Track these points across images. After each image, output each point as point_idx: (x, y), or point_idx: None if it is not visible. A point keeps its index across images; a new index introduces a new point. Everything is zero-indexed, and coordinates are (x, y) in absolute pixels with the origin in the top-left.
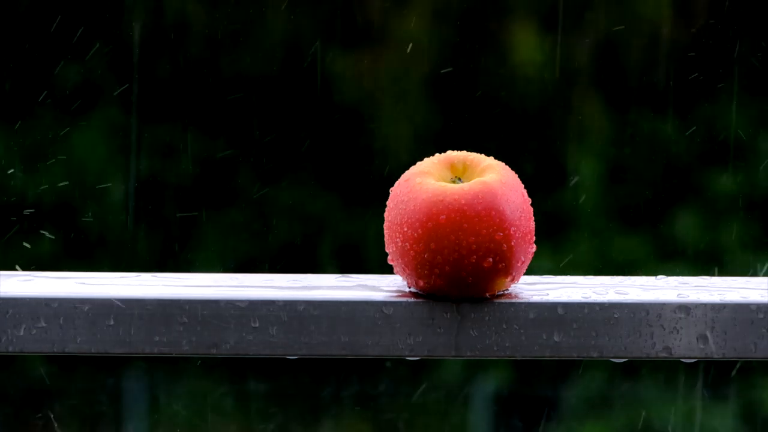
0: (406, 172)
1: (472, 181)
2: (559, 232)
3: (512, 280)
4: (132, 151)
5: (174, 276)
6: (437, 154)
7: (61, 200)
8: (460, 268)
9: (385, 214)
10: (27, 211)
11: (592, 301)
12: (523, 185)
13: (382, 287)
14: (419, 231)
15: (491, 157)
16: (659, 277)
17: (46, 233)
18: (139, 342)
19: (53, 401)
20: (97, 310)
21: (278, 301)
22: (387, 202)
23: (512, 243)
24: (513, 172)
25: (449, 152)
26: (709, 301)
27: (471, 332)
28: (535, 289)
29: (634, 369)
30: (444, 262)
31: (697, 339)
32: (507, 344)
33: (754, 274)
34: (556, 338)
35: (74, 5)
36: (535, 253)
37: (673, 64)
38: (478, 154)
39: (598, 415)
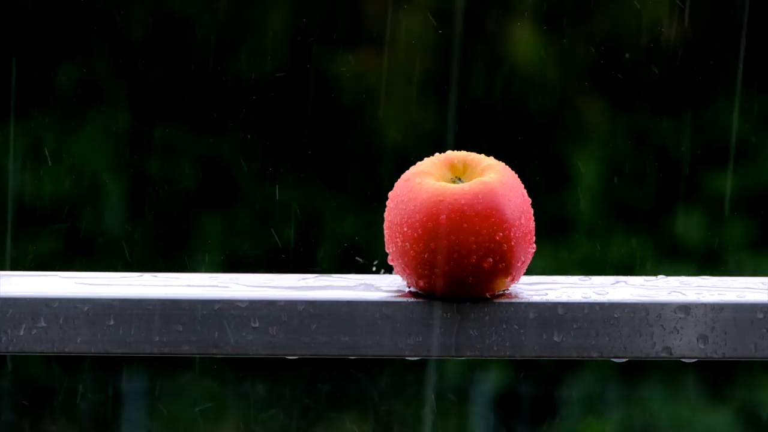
0: (406, 172)
1: (472, 181)
2: (560, 232)
3: (512, 280)
4: (132, 151)
5: (174, 276)
6: (437, 154)
7: (61, 200)
8: (460, 268)
9: (385, 214)
10: (27, 211)
11: (592, 301)
12: (523, 185)
13: (382, 287)
14: (419, 231)
15: (491, 157)
16: (659, 277)
17: (47, 233)
18: (139, 342)
19: (53, 401)
20: (97, 310)
21: (278, 301)
22: (387, 202)
23: (512, 243)
24: (513, 172)
25: (449, 152)
26: (709, 301)
27: (471, 332)
28: (535, 289)
29: (634, 369)
30: (444, 262)
31: (697, 339)
32: (507, 344)
33: (754, 274)
34: (556, 338)
35: (75, 5)
36: (535, 253)
37: (673, 63)
38: (478, 154)
39: (598, 415)
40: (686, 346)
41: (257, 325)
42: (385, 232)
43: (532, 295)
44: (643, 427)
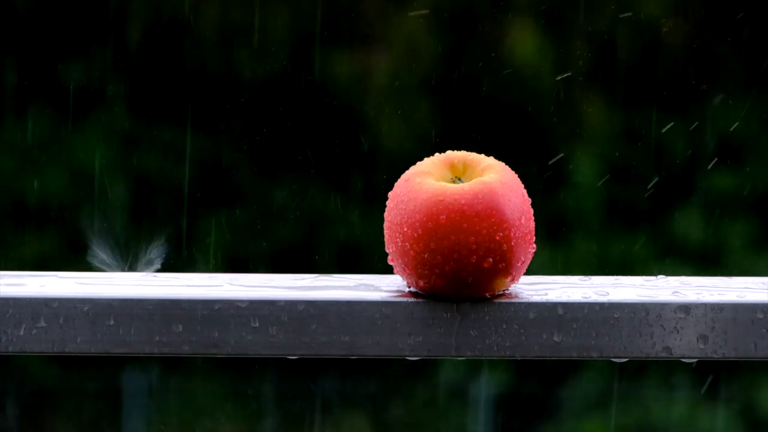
0: (406, 172)
1: (472, 181)
2: (559, 232)
3: (512, 280)
4: (132, 151)
5: (174, 276)
6: (437, 154)
7: (61, 200)
8: (460, 268)
9: (385, 214)
10: (27, 211)
11: (592, 301)
12: (523, 185)
13: (382, 287)
14: (419, 231)
15: (491, 157)
16: (659, 277)
17: (46, 233)
18: (139, 342)
19: (53, 401)
20: (97, 310)
21: (278, 301)
22: (387, 202)
23: (512, 243)
24: (513, 172)
25: (449, 152)
26: (709, 301)
27: (471, 332)
28: (535, 289)
29: (634, 369)
30: (444, 262)
31: (697, 339)
32: (507, 344)
33: (754, 274)
34: (556, 338)
35: (75, 5)
36: (535, 253)
37: (673, 63)
38: (478, 154)
39: (598, 415)
40: (686, 346)
41: (257, 325)
42: (385, 232)
43: (532, 295)
44: (643, 427)
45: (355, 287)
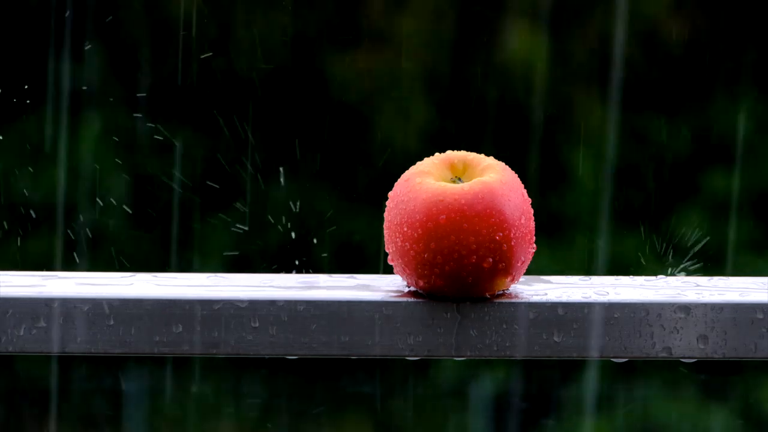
0: (406, 172)
1: (472, 181)
2: (559, 232)
3: (512, 280)
4: (132, 150)
5: (174, 276)
6: (437, 154)
7: (61, 200)
8: (460, 268)
9: (385, 214)
10: (27, 211)
11: (592, 301)
12: (523, 185)
13: (382, 287)
14: (419, 231)
15: (491, 157)
16: (659, 277)
17: (47, 233)
18: (139, 342)
19: (53, 401)
20: (97, 310)
21: (278, 301)
22: (387, 202)
23: (512, 243)
24: (513, 172)
25: (449, 152)
26: (709, 301)
27: (471, 332)
28: (535, 289)
29: (634, 369)
30: (444, 262)
31: (697, 339)
32: (507, 344)
33: (754, 274)
34: (556, 338)
35: (74, 4)
36: (535, 253)
37: (673, 62)
38: (478, 154)
39: (598, 415)
40: (686, 346)
41: (257, 325)
42: (385, 232)
43: (532, 295)
44: (643, 427)
45: (355, 287)
